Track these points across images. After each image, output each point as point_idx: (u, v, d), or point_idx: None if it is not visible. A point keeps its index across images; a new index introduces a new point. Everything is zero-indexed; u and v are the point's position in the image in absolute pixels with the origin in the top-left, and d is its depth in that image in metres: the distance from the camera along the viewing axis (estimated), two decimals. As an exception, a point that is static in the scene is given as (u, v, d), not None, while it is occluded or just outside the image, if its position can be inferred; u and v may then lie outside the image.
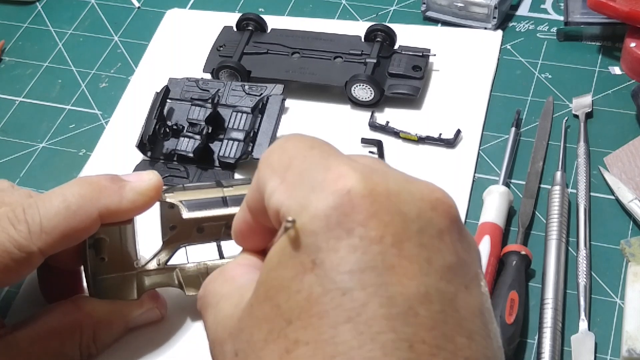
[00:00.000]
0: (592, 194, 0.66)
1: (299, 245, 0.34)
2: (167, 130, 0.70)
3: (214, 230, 0.58)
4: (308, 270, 0.34)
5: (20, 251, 0.51)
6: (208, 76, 0.76)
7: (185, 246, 0.59)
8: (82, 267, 0.57)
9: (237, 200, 0.56)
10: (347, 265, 0.33)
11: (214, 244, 0.59)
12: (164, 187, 0.56)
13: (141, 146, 0.69)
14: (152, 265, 0.58)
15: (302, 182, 0.36)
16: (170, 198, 0.55)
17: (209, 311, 0.41)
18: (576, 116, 0.71)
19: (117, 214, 0.53)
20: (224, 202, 0.56)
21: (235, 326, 0.37)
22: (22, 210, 0.52)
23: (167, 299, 0.59)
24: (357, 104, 0.74)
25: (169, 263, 0.58)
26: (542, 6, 0.81)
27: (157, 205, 0.57)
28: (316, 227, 0.34)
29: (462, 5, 0.79)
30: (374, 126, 0.72)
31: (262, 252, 0.43)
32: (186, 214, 0.55)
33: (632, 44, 0.73)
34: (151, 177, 0.55)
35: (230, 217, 0.54)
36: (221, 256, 0.59)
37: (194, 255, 0.59)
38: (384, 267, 0.33)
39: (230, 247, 0.59)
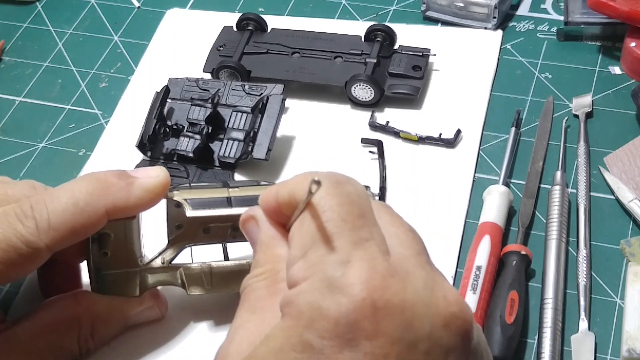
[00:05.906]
0: (592, 193, 0.66)
1: (302, 341, 0.34)
2: (167, 130, 0.70)
3: (220, 231, 0.58)
4: None
5: (27, 247, 0.51)
6: (208, 76, 0.76)
7: (190, 246, 0.59)
8: (84, 262, 0.57)
9: (242, 201, 0.55)
10: None
11: (219, 246, 0.59)
12: (170, 186, 0.56)
13: (141, 146, 0.69)
14: (157, 263, 0.58)
15: (321, 270, 0.35)
16: (176, 196, 0.55)
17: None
18: (576, 116, 0.71)
19: (124, 210, 0.54)
20: (229, 202, 0.55)
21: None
22: (30, 206, 0.52)
23: (168, 299, 0.59)
24: (357, 103, 0.74)
25: (174, 262, 0.58)
26: (542, 6, 0.81)
27: (163, 204, 0.57)
28: (324, 332, 0.33)
29: (462, 5, 0.78)
30: (374, 126, 0.72)
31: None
32: (190, 212, 0.55)
33: (632, 44, 0.73)
34: (159, 174, 0.55)
35: (236, 218, 0.54)
36: (226, 258, 0.58)
37: (199, 255, 0.59)
38: None
39: (236, 249, 0.59)
